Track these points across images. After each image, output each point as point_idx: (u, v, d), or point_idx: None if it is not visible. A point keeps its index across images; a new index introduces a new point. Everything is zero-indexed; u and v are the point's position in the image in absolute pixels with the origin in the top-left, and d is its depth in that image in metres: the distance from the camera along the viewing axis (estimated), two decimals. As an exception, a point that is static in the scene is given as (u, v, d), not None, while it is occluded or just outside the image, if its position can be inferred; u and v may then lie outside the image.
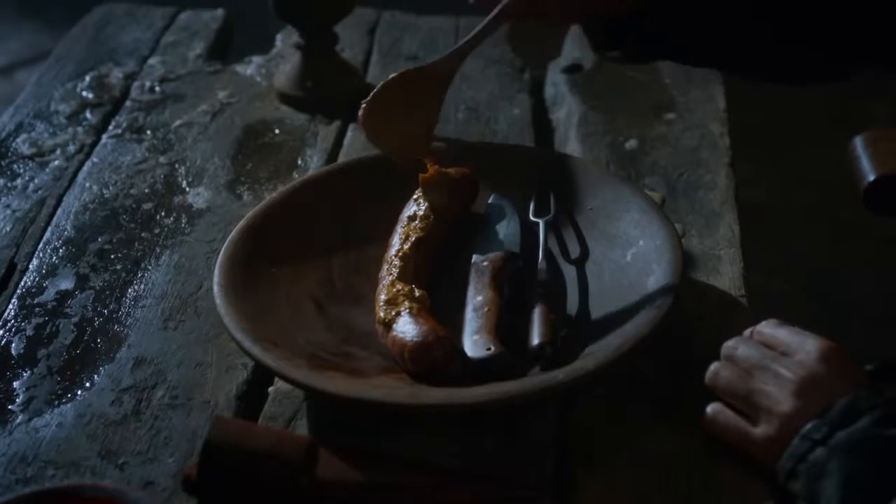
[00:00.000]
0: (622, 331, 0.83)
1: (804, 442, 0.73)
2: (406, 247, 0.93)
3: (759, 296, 0.98)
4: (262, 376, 0.89)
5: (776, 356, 0.79)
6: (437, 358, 0.83)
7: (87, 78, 1.33)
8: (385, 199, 0.98)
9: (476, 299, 0.89)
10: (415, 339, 0.84)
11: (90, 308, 0.98)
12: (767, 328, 0.82)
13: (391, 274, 0.91)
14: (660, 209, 0.95)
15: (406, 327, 0.85)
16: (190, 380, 0.89)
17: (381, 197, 0.99)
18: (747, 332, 0.83)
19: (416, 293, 0.88)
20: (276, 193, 1.02)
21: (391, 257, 0.93)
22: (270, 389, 0.88)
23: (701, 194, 1.07)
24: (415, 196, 0.97)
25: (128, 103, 1.28)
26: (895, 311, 1.96)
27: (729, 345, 0.82)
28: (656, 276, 0.88)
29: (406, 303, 0.87)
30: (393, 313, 0.86)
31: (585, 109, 1.23)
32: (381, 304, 0.88)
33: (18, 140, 1.22)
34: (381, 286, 0.90)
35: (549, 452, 0.81)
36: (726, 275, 0.97)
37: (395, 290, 0.89)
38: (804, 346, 0.78)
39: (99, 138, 1.22)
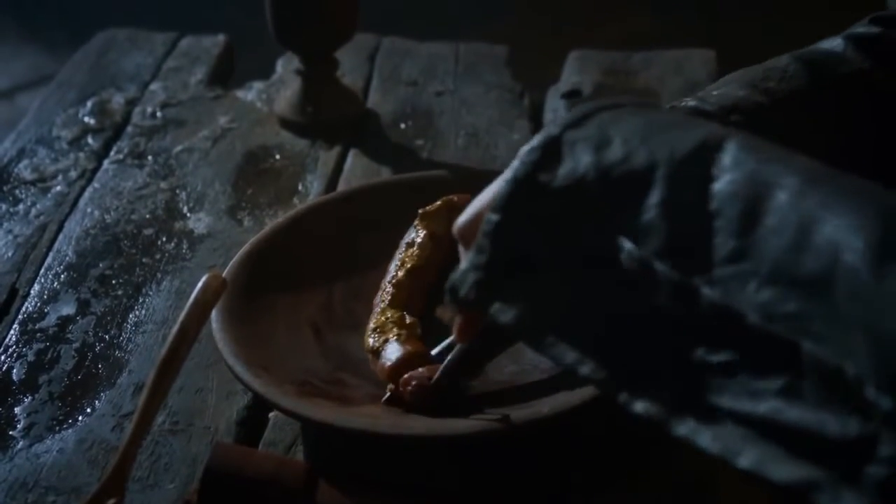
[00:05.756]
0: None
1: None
2: (401, 274, 0.93)
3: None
4: (262, 402, 0.89)
5: None
6: (413, 380, 0.83)
7: (89, 103, 1.34)
8: (388, 225, 0.98)
9: None
10: (391, 363, 0.84)
11: (91, 334, 0.98)
12: None
13: (384, 301, 0.91)
14: None
15: (392, 355, 0.85)
16: (190, 405, 0.90)
17: (383, 223, 0.99)
18: None
19: (407, 320, 0.88)
20: (279, 219, 1.02)
21: (386, 284, 0.93)
22: (270, 415, 0.88)
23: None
24: (415, 222, 0.97)
25: (129, 129, 1.29)
26: None
27: None
28: None
29: (395, 330, 0.87)
30: (381, 340, 0.86)
31: (584, 135, 1.23)
32: (370, 331, 0.88)
33: (20, 165, 1.23)
34: (372, 313, 0.91)
35: (550, 478, 0.81)
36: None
37: (384, 318, 0.89)
38: None
39: (100, 164, 1.23)
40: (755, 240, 0.54)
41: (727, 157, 0.57)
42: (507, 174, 0.63)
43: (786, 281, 0.52)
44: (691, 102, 0.81)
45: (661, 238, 0.56)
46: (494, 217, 0.62)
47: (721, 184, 0.56)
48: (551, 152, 0.62)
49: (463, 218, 0.72)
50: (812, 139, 0.80)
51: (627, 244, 0.57)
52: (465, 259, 0.64)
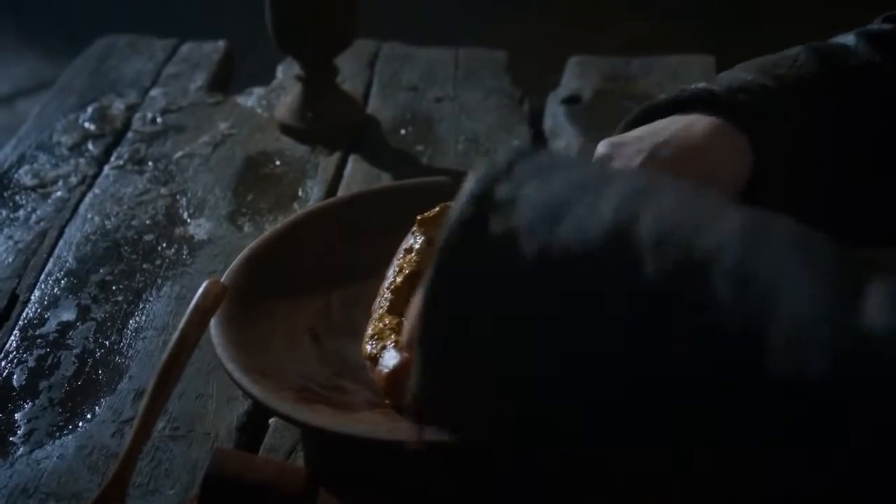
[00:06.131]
0: None
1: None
2: (399, 280, 0.93)
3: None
4: (261, 408, 0.89)
5: None
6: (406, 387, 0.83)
7: (90, 109, 1.34)
8: (388, 232, 0.98)
9: None
10: (388, 370, 0.84)
11: (91, 339, 0.98)
12: None
13: (382, 307, 0.91)
14: None
15: (389, 362, 0.85)
16: (191, 411, 0.90)
17: (383, 229, 0.99)
18: None
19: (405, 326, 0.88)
20: (278, 225, 1.02)
21: (384, 290, 0.93)
22: (271, 421, 0.89)
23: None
24: (414, 228, 0.97)
25: (129, 134, 1.29)
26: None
27: None
28: None
29: (392, 336, 0.87)
30: (379, 347, 0.86)
31: (584, 140, 1.23)
32: (367, 338, 0.88)
33: (21, 171, 1.23)
34: (370, 319, 0.91)
35: (548, 483, 0.81)
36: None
37: (382, 324, 0.89)
38: None
39: (101, 169, 1.23)
40: (703, 333, 0.46)
41: (646, 231, 0.49)
42: (427, 278, 0.53)
43: (746, 386, 0.45)
44: (701, 84, 0.81)
45: (611, 343, 0.48)
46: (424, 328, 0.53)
47: (650, 269, 0.48)
48: (458, 256, 0.52)
49: (407, 331, 0.64)
50: (818, 127, 0.80)
51: (570, 353, 0.49)
52: (413, 376, 0.55)
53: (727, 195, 0.78)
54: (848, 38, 0.84)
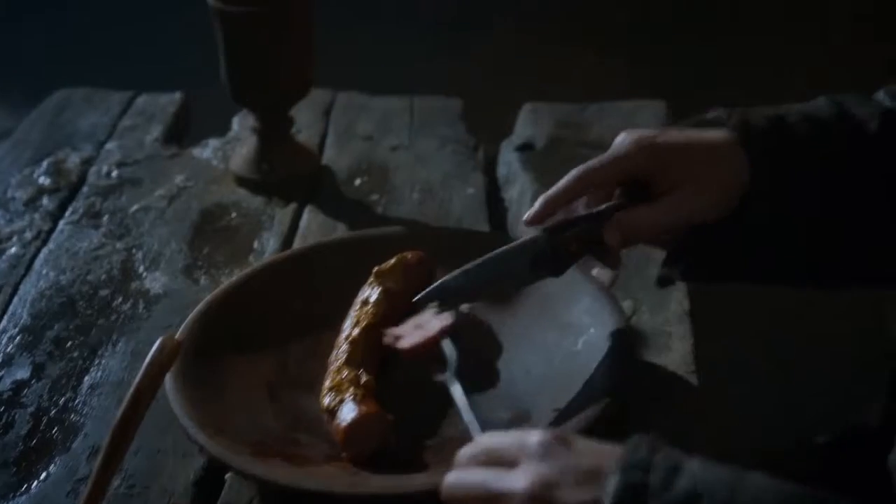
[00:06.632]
0: (566, 425, 0.83)
1: None
2: (356, 332, 0.93)
3: (711, 368, 1.00)
4: (218, 463, 0.89)
5: (497, 475, 0.64)
6: (366, 440, 0.84)
7: (45, 163, 1.34)
8: (343, 284, 0.99)
9: None
10: (346, 423, 0.84)
11: (46, 398, 0.97)
12: (483, 440, 0.68)
13: (339, 359, 0.91)
14: (612, 296, 0.95)
15: (347, 415, 0.85)
16: (147, 468, 0.89)
17: (339, 281, 1.00)
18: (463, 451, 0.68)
19: (363, 379, 0.88)
20: (234, 278, 1.02)
21: (341, 341, 0.93)
22: (227, 476, 0.88)
23: (652, 270, 1.09)
24: (370, 280, 0.98)
25: (85, 188, 1.29)
26: (853, 380, 1.97)
27: (448, 480, 0.66)
28: (605, 366, 0.88)
29: (351, 389, 0.87)
30: (337, 400, 0.86)
31: (538, 188, 1.24)
32: (325, 390, 0.88)
33: (-25, 228, 1.22)
34: (328, 371, 0.91)
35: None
36: (677, 351, 0.98)
37: (340, 376, 0.89)
38: (524, 448, 0.64)
39: (56, 224, 1.23)
40: None
41: None
42: None
43: None
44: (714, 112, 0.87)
45: None
46: None
47: None
48: None
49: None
50: (822, 160, 0.84)
51: None
52: None
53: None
54: (878, 93, 0.87)
